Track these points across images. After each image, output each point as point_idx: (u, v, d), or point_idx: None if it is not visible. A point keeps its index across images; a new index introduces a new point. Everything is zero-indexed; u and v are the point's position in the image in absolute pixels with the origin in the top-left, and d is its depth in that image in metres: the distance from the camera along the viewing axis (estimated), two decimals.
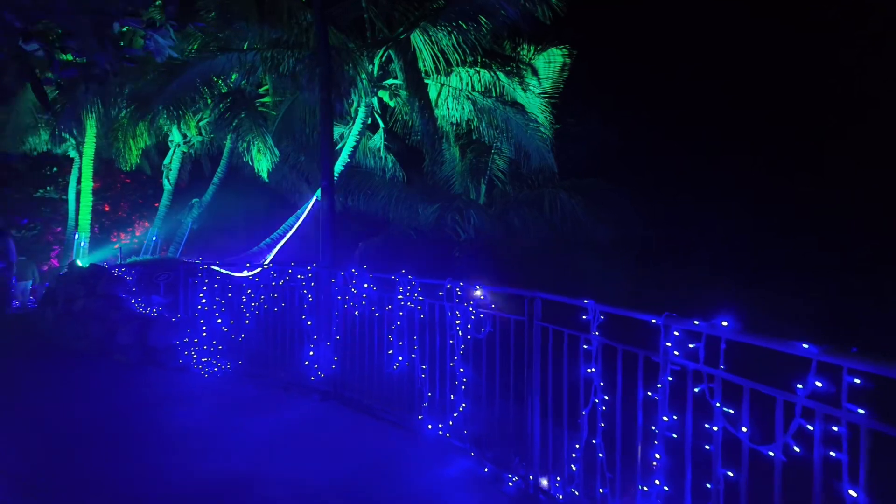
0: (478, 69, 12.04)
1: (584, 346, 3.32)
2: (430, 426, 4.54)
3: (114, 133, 14.55)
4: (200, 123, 14.20)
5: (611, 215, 13.08)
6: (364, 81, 11.30)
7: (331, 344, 5.71)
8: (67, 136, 16.37)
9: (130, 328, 7.74)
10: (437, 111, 11.88)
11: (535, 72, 13.06)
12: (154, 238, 13.08)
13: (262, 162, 11.59)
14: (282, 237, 11.60)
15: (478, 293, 4.11)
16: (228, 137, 13.98)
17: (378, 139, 13.01)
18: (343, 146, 12.17)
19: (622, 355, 3.12)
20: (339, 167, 11.95)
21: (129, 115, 12.68)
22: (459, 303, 4.26)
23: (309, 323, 5.96)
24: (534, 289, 3.66)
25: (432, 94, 11.89)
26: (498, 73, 12.00)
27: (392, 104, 12.14)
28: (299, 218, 11.80)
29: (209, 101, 12.32)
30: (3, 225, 11.35)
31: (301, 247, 11.88)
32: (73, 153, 14.57)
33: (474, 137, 12.73)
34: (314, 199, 11.92)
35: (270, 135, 12.73)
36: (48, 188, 19.92)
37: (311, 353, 5.86)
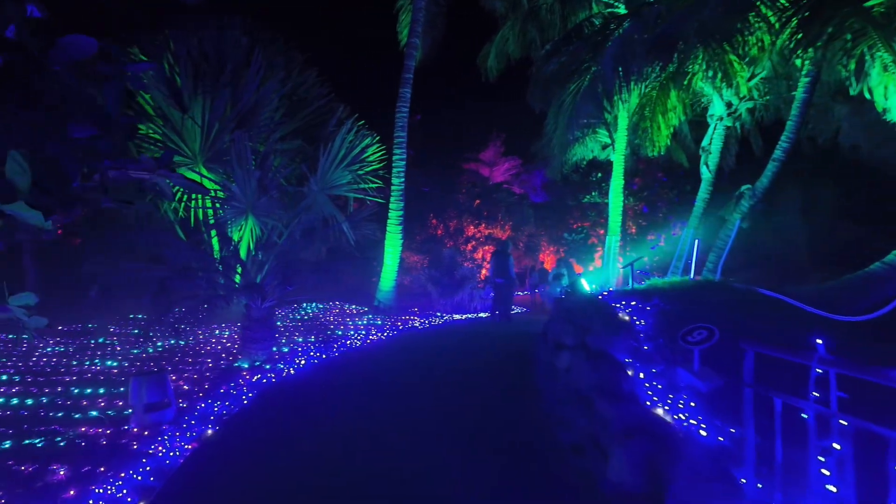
0: None
1: None
2: None
3: (640, 111, 11.68)
4: (751, 82, 9.65)
5: None
6: None
7: None
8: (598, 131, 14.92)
9: (632, 448, 4.03)
10: None
11: None
12: (688, 246, 9.25)
13: (893, 89, 5.73)
14: None
15: None
16: (800, 85, 8.50)
17: None
18: None
19: None
20: None
21: (656, 72, 9.26)
22: None
23: None
24: None
25: None
26: None
27: None
28: None
29: (770, 16, 7.36)
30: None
31: None
32: (613, 157, 13.74)
33: None
34: None
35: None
36: (593, 193, 20.18)
37: None
